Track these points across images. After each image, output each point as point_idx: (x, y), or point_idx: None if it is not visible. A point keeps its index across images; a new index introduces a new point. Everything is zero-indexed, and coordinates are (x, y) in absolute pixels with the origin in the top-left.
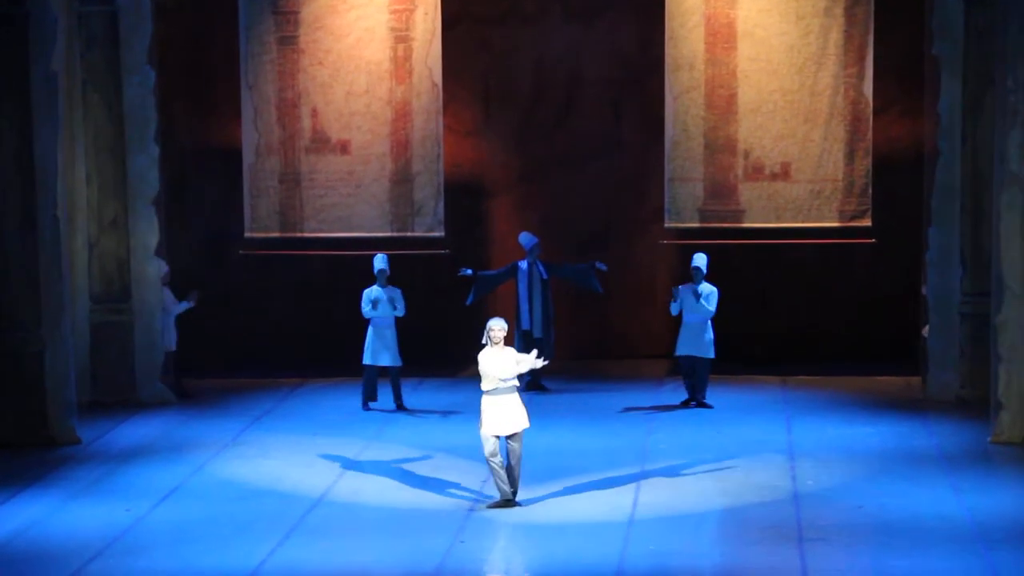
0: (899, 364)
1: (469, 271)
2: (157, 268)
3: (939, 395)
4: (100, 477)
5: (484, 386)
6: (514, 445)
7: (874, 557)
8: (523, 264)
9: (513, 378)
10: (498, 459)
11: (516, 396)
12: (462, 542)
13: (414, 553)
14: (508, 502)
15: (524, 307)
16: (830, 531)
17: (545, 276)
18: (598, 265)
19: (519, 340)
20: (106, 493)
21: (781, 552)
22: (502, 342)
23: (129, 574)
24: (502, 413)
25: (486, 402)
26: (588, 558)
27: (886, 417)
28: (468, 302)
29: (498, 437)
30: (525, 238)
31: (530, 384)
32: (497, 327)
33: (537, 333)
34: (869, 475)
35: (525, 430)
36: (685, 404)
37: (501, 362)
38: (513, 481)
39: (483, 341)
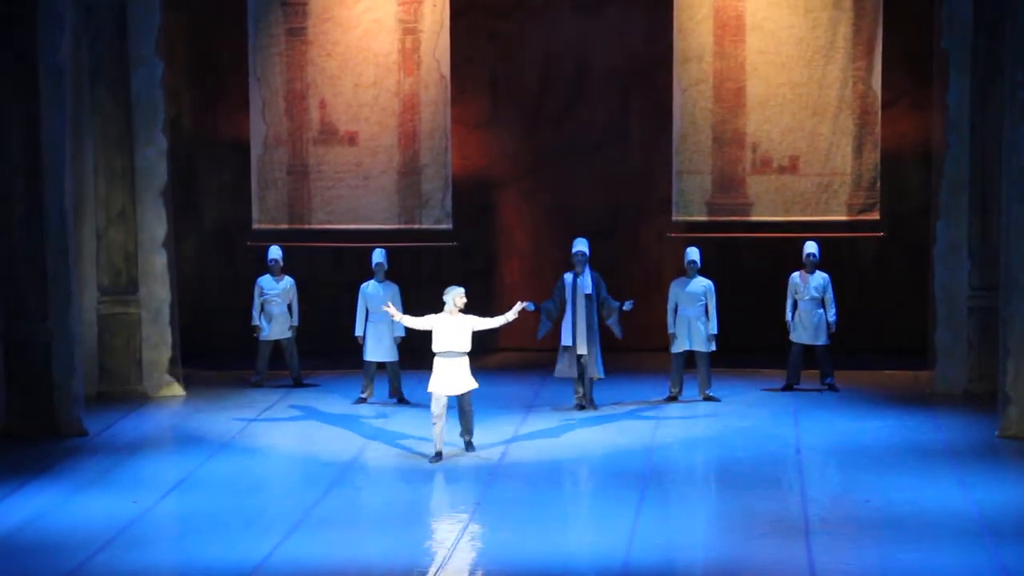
0: (907, 358)
1: (532, 306)
2: (165, 260)
3: (947, 389)
4: (107, 469)
5: (435, 347)
6: (464, 405)
7: (881, 551)
8: (567, 276)
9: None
10: (441, 423)
11: (465, 361)
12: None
13: (420, 545)
14: (439, 456)
15: (567, 321)
16: (837, 525)
17: (589, 291)
18: (626, 307)
19: (562, 355)
20: (112, 485)
21: (788, 546)
22: (462, 310)
23: (135, 566)
24: (451, 374)
25: (437, 362)
26: (595, 550)
27: (894, 411)
28: (539, 336)
29: (448, 397)
30: (575, 243)
31: (587, 404)
32: (459, 295)
33: (580, 350)
34: (876, 469)
35: (475, 391)
36: (671, 399)
37: (454, 328)
38: (467, 430)
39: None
